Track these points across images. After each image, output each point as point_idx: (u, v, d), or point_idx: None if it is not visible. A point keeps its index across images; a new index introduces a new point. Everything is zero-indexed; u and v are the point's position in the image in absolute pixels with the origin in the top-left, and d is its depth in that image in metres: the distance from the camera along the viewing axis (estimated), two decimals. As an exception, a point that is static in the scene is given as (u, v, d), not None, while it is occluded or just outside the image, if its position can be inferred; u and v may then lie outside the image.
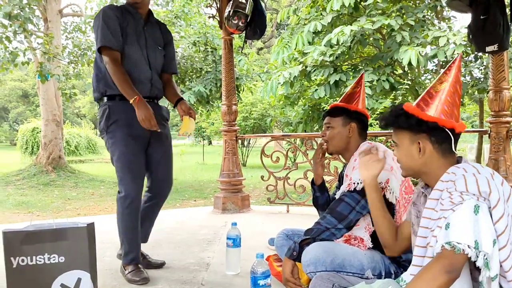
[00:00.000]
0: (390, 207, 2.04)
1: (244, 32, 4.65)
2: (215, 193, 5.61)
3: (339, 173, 2.56)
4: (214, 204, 4.98)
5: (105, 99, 2.55)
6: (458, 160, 1.48)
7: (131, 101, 2.42)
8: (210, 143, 26.93)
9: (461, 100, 7.01)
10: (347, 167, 2.21)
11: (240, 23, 4.43)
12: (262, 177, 5.10)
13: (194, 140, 23.20)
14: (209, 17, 5.34)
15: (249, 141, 17.39)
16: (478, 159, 8.52)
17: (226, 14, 4.48)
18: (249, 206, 5.00)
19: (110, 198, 8.65)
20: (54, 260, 2.06)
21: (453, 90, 1.49)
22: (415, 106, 1.49)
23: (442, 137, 1.45)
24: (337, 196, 2.14)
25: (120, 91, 2.46)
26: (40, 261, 2.05)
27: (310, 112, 7.97)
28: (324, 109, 7.25)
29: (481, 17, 3.59)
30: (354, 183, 2.02)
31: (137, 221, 2.58)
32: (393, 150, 1.67)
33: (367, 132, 2.29)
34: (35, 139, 15.68)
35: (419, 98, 1.53)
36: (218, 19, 4.98)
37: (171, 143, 2.84)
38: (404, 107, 1.50)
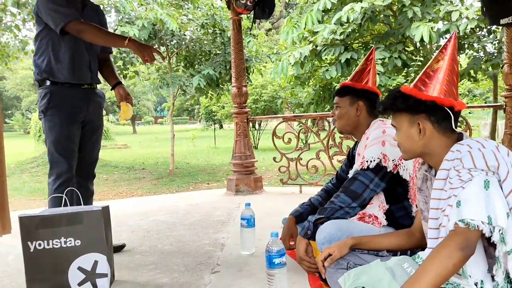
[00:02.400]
0: (404, 184, 2.03)
1: (252, 12, 4.60)
2: (227, 176, 5.62)
3: (348, 151, 2.54)
4: (227, 186, 5.00)
5: (48, 82, 2.54)
6: (459, 137, 1.46)
7: (125, 43, 2.46)
8: (221, 127, 26.93)
9: (475, 76, 6.87)
10: (359, 145, 2.20)
11: (248, 3, 4.38)
12: (274, 159, 5.09)
13: (205, 124, 23.20)
14: (217, -2, 5.28)
15: (260, 124, 17.36)
16: (492, 135, 8.40)
17: (234, -6, 4.43)
18: (262, 187, 5.00)
19: (123, 183, 8.73)
20: (70, 243, 2.09)
21: (450, 69, 1.47)
22: (413, 87, 1.47)
23: (441, 116, 1.43)
24: (350, 175, 2.14)
25: (109, 44, 2.58)
26: (56, 245, 2.08)
27: (321, 92, 7.90)
28: (336, 88, 7.19)
29: (496, -12, 3.51)
30: (367, 161, 2.01)
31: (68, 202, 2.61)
32: None
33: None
34: (48, 127, 15.79)
35: (417, 79, 1.51)
36: (226, -1, 4.93)
37: (101, 133, 2.91)
38: (401, 89, 1.49)
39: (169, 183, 8.96)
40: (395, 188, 2.03)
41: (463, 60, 8.77)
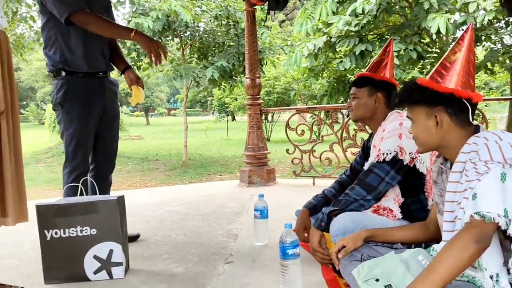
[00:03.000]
0: (420, 177, 2.01)
1: (266, 3, 4.57)
2: (240, 168, 5.63)
3: (363, 142, 2.53)
4: (240, 177, 5.01)
5: (63, 72, 2.50)
6: (476, 129, 1.44)
7: (131, 36, 2.42)
8: (233, 118, 26.98)
9: (492, 68, 6.76)
10: (375, 137, 2.17)
11: (262, -6, 4.35)
12: (287, 151, 5.08)
13: (218, 116, 23.26)
14: (231, -11, 5.27)
15: (273, 116, 17.33)
16: (509, 129, 8.27)
17: (248, -15, 4.41)
18: (275, 179, 5.01)
19: (137, 174, 8.80)
20: (86, 232, 2.12)
21: (467, 60, 1.44)
22: (429, 79, 1.45)
23: (459, 108, 1.41)
24: (365, 167, 2.12)
25: (115, 36, 2.60)
26: (72, 233, 2.11)
27: (335, 84, 7.85)
28: (350, 80, 7.14)
29: (515, -21, 3.44)
30: (383, 154, 1.99)
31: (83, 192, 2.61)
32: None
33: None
34: (62, 118, 15.94)
35: (433, 70, 1.49)
36: (240, -10, 4.91)
37: (119, 122, 2.88)
38: (418, 81, 1.47)
39: (182, 174, 9.01)
40: (411, 181, 2.01)
41: (480, 52, 8.65)
